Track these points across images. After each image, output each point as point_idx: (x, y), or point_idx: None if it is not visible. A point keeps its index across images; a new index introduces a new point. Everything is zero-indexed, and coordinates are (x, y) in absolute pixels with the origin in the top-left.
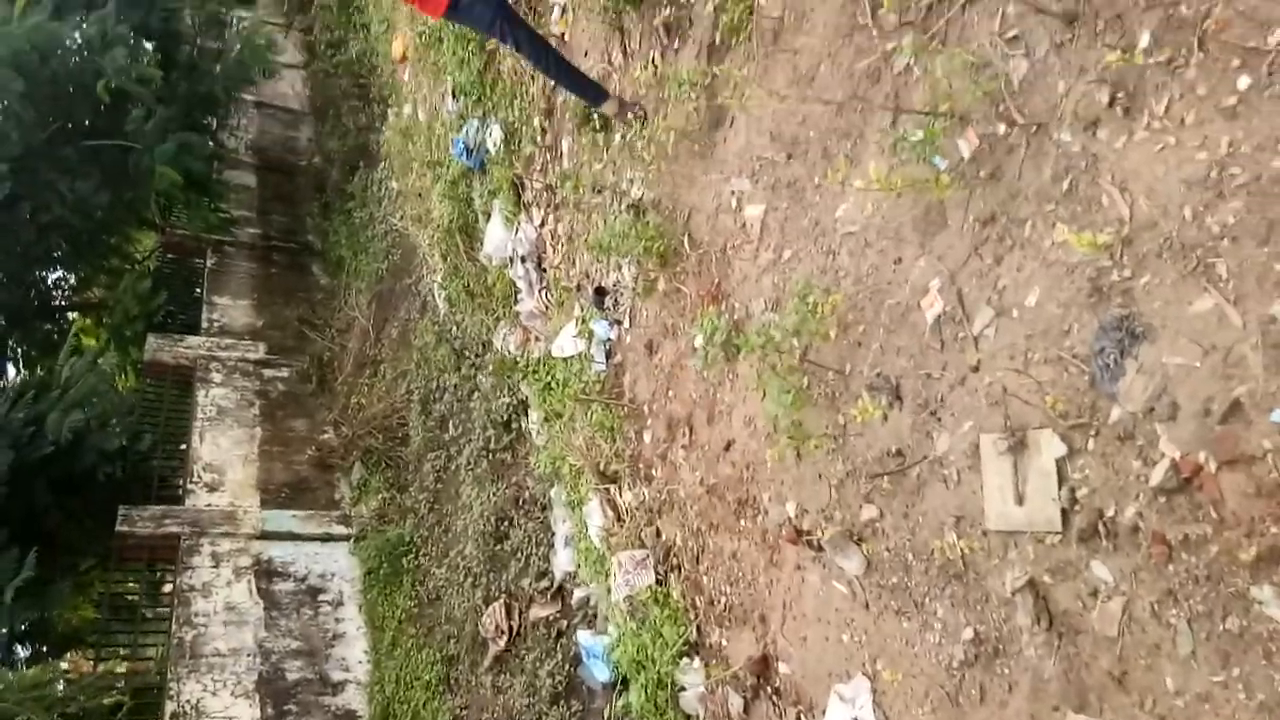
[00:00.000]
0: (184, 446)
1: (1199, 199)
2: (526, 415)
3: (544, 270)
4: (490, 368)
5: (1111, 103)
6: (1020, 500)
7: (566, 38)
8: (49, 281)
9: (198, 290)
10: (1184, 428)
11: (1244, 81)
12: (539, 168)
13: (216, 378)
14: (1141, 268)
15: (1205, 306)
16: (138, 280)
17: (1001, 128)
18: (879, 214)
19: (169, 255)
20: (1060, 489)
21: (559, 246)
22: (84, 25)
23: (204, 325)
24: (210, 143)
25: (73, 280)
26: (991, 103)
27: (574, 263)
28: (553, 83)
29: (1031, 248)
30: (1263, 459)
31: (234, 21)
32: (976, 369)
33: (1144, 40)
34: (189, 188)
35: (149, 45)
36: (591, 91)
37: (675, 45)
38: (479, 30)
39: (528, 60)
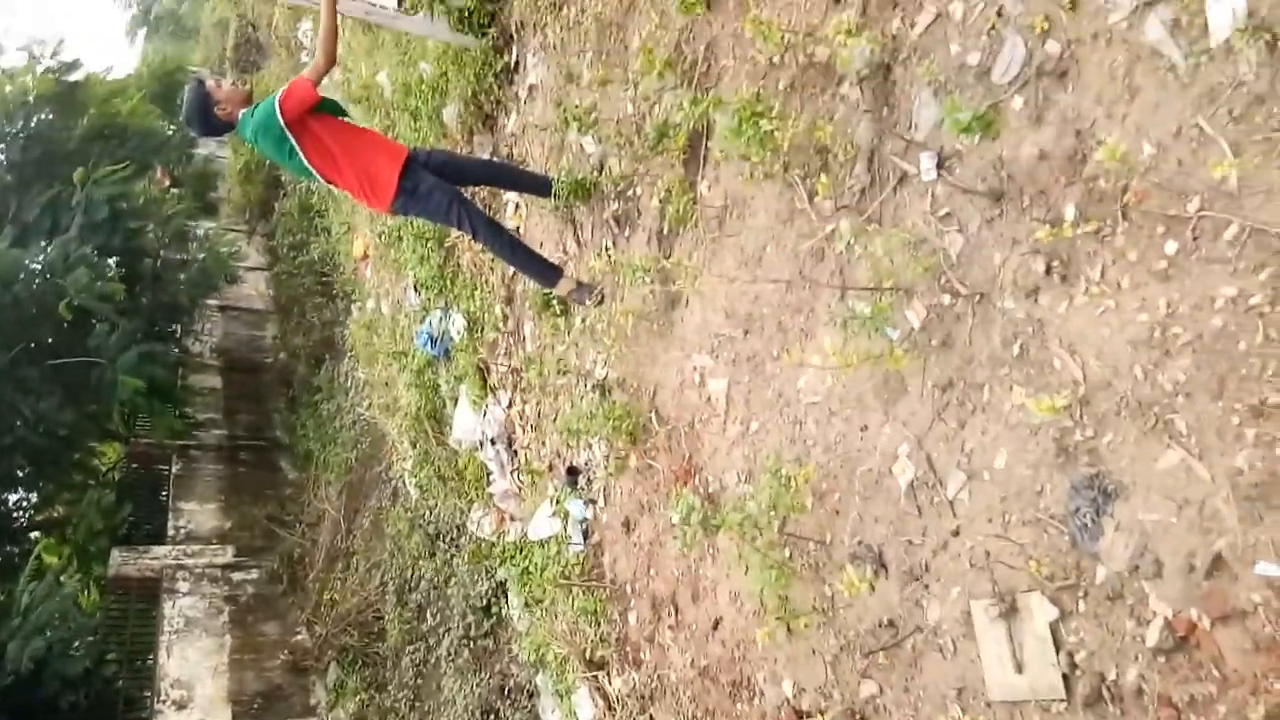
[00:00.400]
0: (151, 662)
1: (1147, 358)
2: (506, 599)
3: (515, 451)
4: (466, 553)
5: (1048, 271)
6: (1020, 668)
7: (522, 230)
8: (9, 503)
9: (164, 496)
10: (1171, 585)
11: (1171, 246)
12: (503, 352)
13: (183, 587)
14: (1103, 427)
15: (1172, 462)
16: (101, 494)
17: (946, 298)
18: (839, 384)
19: (134, 465)
20: (1058, 654)
21: (528, 427)
22: (47, 250)
23: (170, 533)
24: (174, 350)
25: (34, 499)
26: (933, 276)
27: (544, 443)
28: (512, 271)
29: (993, 411)
30: (1255, 613)
31: (198, 232)
32: (957, 534)
33: (1069, 213)
34: (153, 396)
35: (112, 261)
36: (548, 272)
37: (626, 234)
38: (435, 219)
39: (483, 244)
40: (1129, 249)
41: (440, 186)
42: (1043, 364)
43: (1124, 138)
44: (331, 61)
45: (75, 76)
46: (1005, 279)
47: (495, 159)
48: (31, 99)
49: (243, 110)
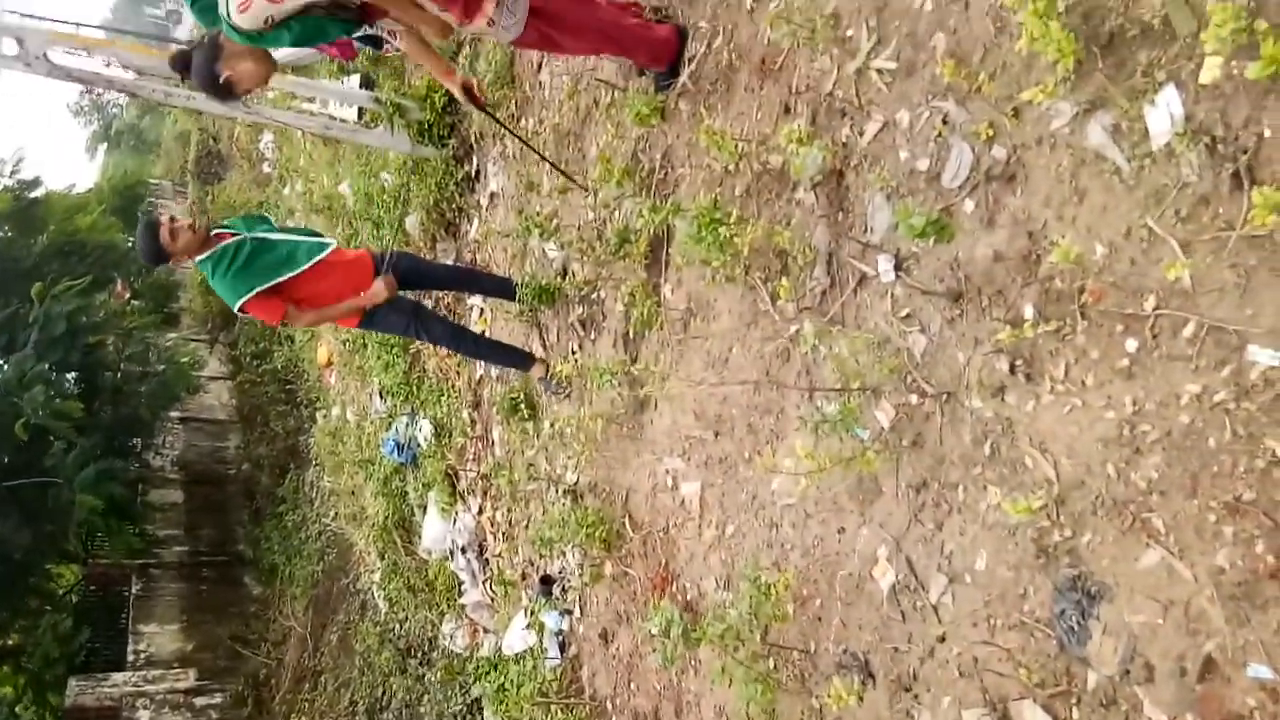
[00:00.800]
0: None
1: (1118, 456)
2: (482, 715)
3: (486, 560)
4: (439, 669)
5: (1012, 370)
6: None
7: (487, 334)
8: None
9: (123, 619)
10: (1164, 689)
11: (1132, 344)
12: (472, 457)
13: (144, 716)
14: (1081, 526)
15: (1152, 561)
16: (58, 619)
17: (914, 398)
18: (813, 485)
19: (92, 587)
20: None
21: (500, 535)
22: (3, 368)
23: (130, 658)
24: (134, 465)
25: None
26: (899, 376)
27: (517, 551)
28: (479, 375)
29: (969, 511)
30: (1250, 717)
31: (159, 343)
32: (943, 640)
33: (1029, 312)
34: (111, 514)
35: (71, 377)
36: (520, 360)
37: (592, 337)
38: (395, 333)
39: (450, 349)
40: (1090, 347)
41: (397, 308)
42: (1015, 463)
43: (1076, 239)
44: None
45: (35, 194)
46: (971, 378)
47: (459, 264)
48: None
49: (200, 256)
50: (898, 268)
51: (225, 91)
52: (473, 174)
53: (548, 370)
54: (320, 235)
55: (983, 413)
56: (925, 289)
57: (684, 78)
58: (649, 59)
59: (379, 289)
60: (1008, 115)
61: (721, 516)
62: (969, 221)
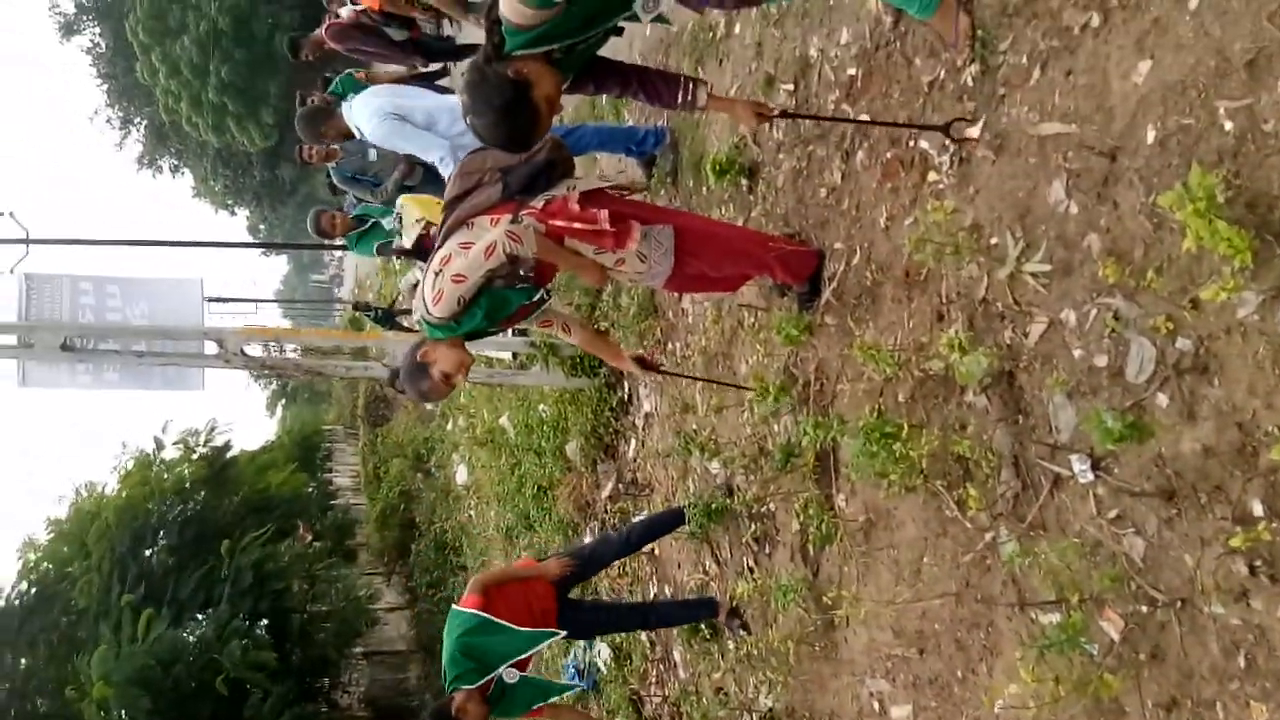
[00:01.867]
0: None
1: None
2: None
3: None
4: None
5: (1253, 572)
6: None
7: (657, 552)
8: None
9: None
10: None
11: None
12: (655, 681)
13: None
14: None
15: None
16: None
17: (1143, 606)
18: (1044, 706)
19: None
20: None
21: None
22: (202, 623)
23: None
24: (325, 708)
25: None
26: (1121, 583)
27: None
28: (652, 595)
29: None
30: None
31: (338, 583)
32: None
33: (1257, 509)
34: None
35: (262, 624)
36: (703, 611)
37: (767, 551)
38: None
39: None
40: None
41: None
42: (1277, 674)
43: None
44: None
45: (226, 457)
46: (1205, 582)
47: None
48: (188, 485)
49: None
50: (1095, 467)
51: (431, 384)
52: (625, 398)
53: (729, 610)
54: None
55: (1227, 619)
56: (1131, 489)
57: (827, 294)
58: (790, 275)
59: None
60: (1185, 308)
61: None
62: (1166, 416)
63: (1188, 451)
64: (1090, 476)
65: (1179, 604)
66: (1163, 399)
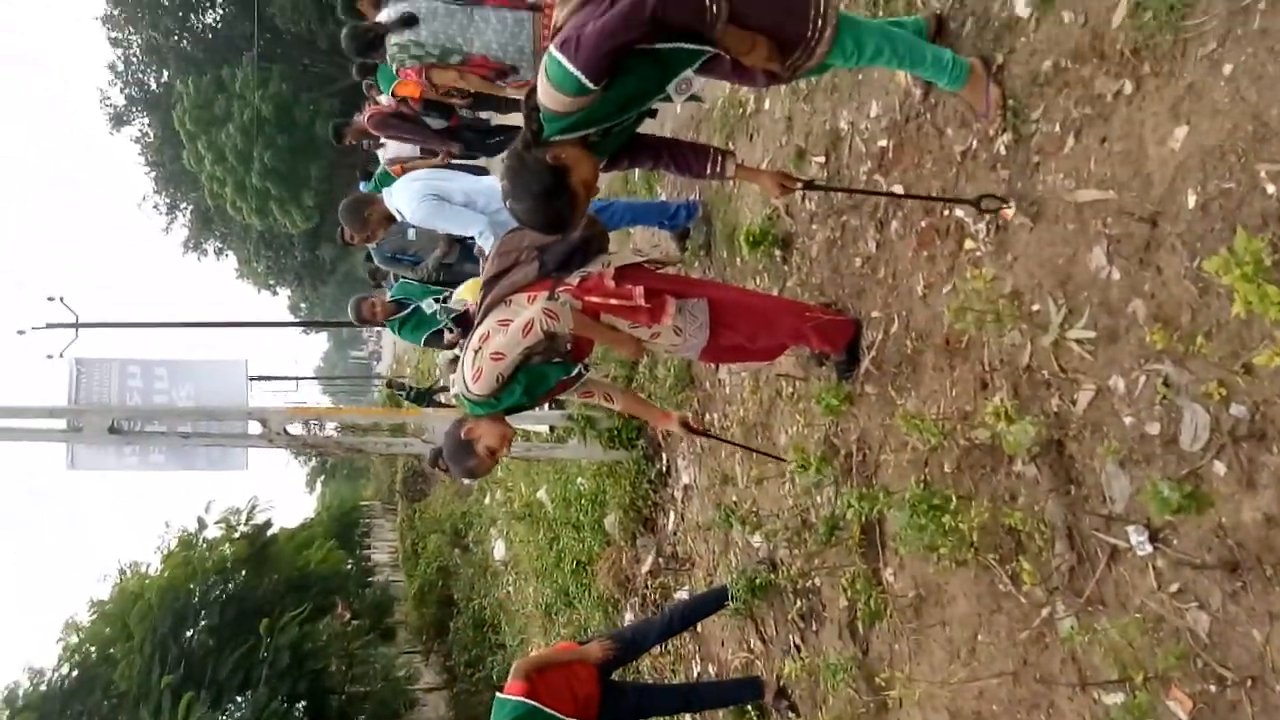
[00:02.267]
0: None
1: None
2: None
3: None
4: None
5: None
6: None
7: (699, 629)
8: None
9: None
10: None
11: None
12: None
13: None
14: None
15: None
16: None
17: (1211, 685)
18: None
19: None
20: None
21: None
22: (241, 705)
23: None
24: None
25: None
26: (1187, 660)
27: None
28: (696, 673)
29: None
30: None
31: (376, 661)
32: None
33: None
34: None
35: (300, 706)
36: (748, 692)
37: (814, 628)
38: None
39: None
40: None
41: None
42: None
43: None
44: None
45: (267, 535)
46: (1276, 659)
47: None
48: (230, 564)
49: None
50: (1153, 539)
51: (478, 460)
52: (664, 470)
53: (776, 691)
54: None
55: None
56: (1193, 561)
57: (865, 363)
58: (827, 344)
59: None
60: (1238, 373)
61: None
62: (1225, 485)
63: (1249, 521)
64: (1149, 548)
65: (1249, 682)
66: (1220, 467)
